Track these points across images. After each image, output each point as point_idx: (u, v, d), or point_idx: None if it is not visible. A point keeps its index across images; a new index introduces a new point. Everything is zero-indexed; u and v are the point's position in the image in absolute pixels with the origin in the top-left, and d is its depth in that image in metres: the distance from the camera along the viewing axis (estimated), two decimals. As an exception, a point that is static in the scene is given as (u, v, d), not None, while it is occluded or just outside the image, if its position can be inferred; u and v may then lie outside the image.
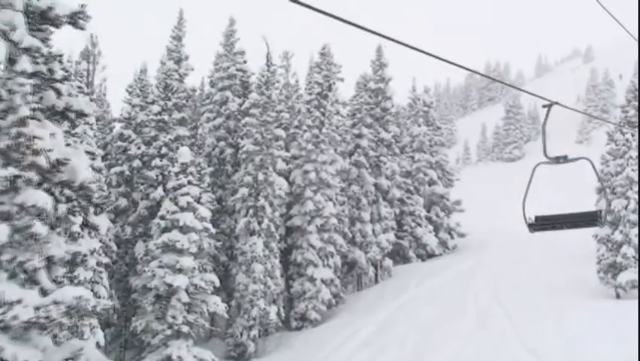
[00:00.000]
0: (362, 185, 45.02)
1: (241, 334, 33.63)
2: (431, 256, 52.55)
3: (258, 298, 33.61)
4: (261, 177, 34.70)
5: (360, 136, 45.51)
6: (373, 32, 4.83)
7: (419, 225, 51.75)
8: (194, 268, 29.05)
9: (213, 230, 29.93)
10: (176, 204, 29.28)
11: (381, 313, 37.04)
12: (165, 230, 29.26)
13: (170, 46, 41.95)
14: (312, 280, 37.19)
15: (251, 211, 34.69)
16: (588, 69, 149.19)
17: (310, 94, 39.05)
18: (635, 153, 36.59)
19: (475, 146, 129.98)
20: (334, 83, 41.04)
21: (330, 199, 38.71)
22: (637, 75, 47.61)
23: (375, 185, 46.09)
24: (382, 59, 47.93)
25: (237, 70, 41.34)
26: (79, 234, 26.07)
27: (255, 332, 33.50)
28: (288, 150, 39.47)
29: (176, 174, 29.79)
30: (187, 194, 29.41)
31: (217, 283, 30.24)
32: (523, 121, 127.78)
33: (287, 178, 39.20)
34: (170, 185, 29.73)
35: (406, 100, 57.04)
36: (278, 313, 34.74)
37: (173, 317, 28.31)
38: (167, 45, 42.50)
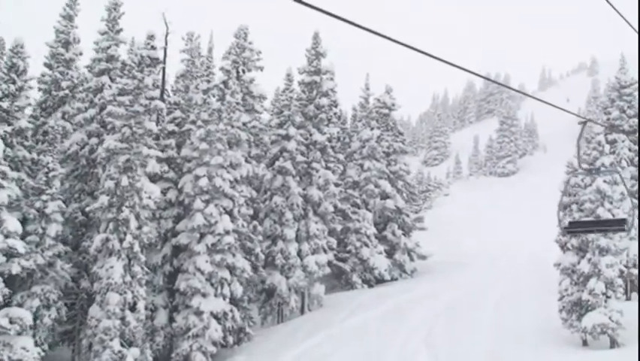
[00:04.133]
0: (287, 196, 37.29)
1: (88, 384, 25.89)
2: (381, 281, 44.61)
3: (111, 337, 25.88)
4: (125, 182, 27.07)
5: (287, 137, 37.82)
6: (371, 31, 4.57)
7: (366, 244, 43.87)
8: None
9: (20, 250, 22.28)
10: (-27, 213, 21.73)
11: (284, 357, 29.27)
12: (-44, 249, 21.70)
13: (59, 26, 34.92)
14: (198, 313, 29.39)
15: (111, 225, 27.04)
16: (591, 82, 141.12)
17: (208, 81, 31.43)
18: (608, 160, 28.68)
19: (467, 159, 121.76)
20: (244, 71, 33.47)
21: (228, 212, 30.97)
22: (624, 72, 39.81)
23: (305, 196, 38.32)
24: (319, 48, 40.29)
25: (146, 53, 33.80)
26: None
27: (106, 383, 25.71)
28: (179, 152, 31.89)
29: (-22, 173, 22.27)
30: (-13, 201, 21.85)
31: (29, 320, 22.67)
32: (519, 134, 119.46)
33: (175, 185, 31.62)
34: (-31, 188, 22.20)
35: (358, 100, 49.24)
36: (143, 358, 26.95)
37: (-46, 369, 20.69)
38: (54, 25, 35.51)
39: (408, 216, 49.39)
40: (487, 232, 73.83)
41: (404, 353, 28.07)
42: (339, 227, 42.61)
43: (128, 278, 26.73)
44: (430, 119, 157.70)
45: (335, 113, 44.40)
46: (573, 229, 9.09)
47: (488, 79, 7.50)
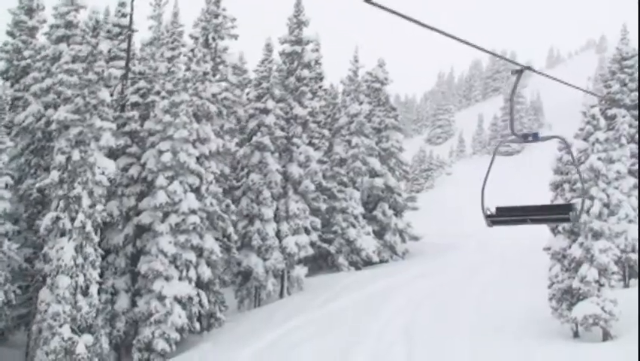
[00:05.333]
0: (265, 173, 35.14)
1: (36, 374, 24.05)
2: (369, 263, 42.48)
3: (60, 323, 23.98)
4: (76, 156, 25.00)
5: (265, 111, 35.55)
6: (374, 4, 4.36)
7: (353, 225, 41.72)
8: None
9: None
10: None
11: (251, 347, 27.31)
12: None
13: (22, -9, 32.87)
14: (161, 298, 27.47)
15: (62, 203, 25.02)
16: (599, 59, 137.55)
17: (173, 49, 29.16)
18: (603, 135, 26.34)
19: (471, 138, 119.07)
20: (214, 39, 31.19)
21: (194, 190, 28.89)
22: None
23: (284, 174, 36.17)
24: (301, 16, 37.85)
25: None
26: None
27: (55, 372, 23.86)
28: (142, 125, 29.76)
29: None
30: None
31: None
32: (524, 112, 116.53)
33: (139, 160, 29.55)
34: None
35: (347, 72, 46.64)
36: (96, 345, 25.04)
37: None
38: (17, -11, 33.54)
39: (400, 195, 47.13)
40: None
41: (380, 341, 26.07)
42: (324, 206, 40.53)
43: (80, 260, 24.76)
44: (435, 98, 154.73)
45: (321, 87, 42.20)
46: (499, 218, 6.61)
47: (495, 54, 7.09)
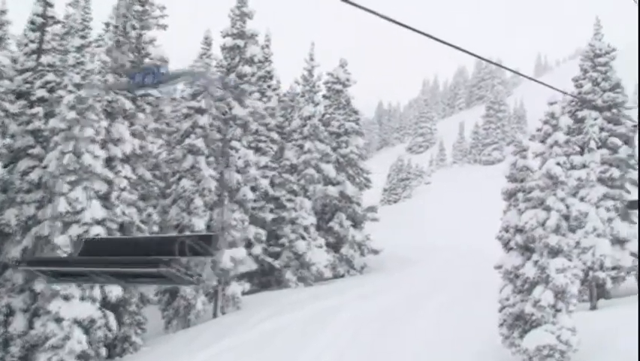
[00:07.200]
0: (198, 179, 31.68)
1: None
2: (322, 279, 38.97)
3: None
4: (-48, 156, 21.54)
5: (199, 111, 32.13)
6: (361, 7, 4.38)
7: (302, 237, 38.25)
8: None
9: None
10: None
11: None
12: None
13: None
14: (58, 320, 23.92)
15: None
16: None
17: (84, 37, 25.74)
18: (563, 137, 23.05)
19: (452, 147, 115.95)
20: (134, 27, 27.83)
21: (102, 197, 25.39)
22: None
23: (220, 180, 32.72)
24: (245, 8, 34.51)
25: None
26: None
27: None
28: (47, 122, 26.29)
29: None
30: None
31: None
32: (506, 120, 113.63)
33: (41, 162, 26.07)
34: None
35: (302, 72, 43.27)
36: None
37: None
38: None
39: (359, 205, 43.72)
40: (461, 223, 68.05)
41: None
42: (270, 216, 37.15)
43: (-47, 278, 21.25)
44: (418, 106, 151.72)
45: (270, 86, 38.88)
46: (37, 268, 4.01)
47: (482, 58, 6.89)
